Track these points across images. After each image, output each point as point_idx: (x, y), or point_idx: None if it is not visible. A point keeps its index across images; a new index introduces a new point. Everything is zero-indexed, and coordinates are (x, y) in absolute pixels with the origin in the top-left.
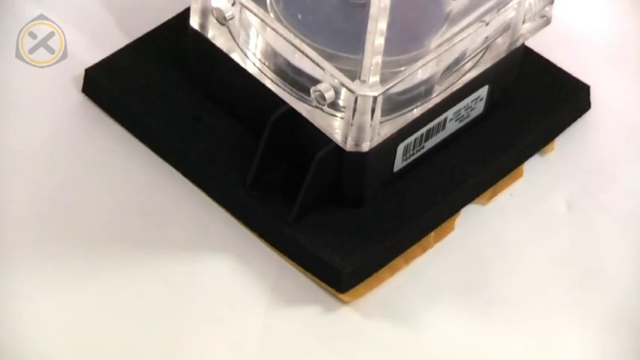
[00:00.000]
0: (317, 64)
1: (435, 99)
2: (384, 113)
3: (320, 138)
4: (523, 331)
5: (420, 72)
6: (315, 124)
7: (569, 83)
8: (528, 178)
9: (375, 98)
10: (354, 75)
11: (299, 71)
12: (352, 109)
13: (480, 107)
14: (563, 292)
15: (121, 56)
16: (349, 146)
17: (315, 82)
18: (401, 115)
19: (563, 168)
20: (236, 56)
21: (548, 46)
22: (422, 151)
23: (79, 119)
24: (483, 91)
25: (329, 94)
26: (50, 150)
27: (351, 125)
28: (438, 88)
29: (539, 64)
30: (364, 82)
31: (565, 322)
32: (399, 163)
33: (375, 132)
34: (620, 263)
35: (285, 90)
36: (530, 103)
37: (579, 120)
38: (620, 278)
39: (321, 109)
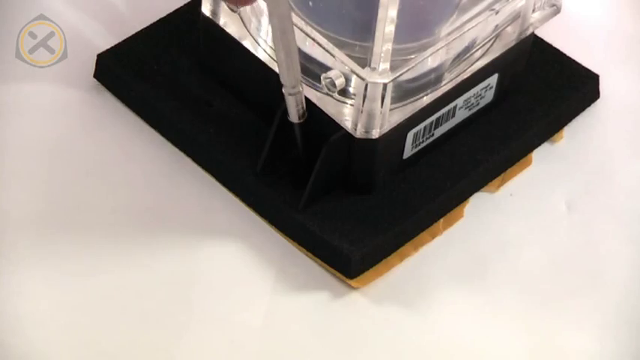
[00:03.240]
0: (328, 51)
1: (445, 87)
2: (394, 100)
3: (330, 125)
4: (525, 326)
5: (430, 60)
6: (326, 111)
7: (579, 72)
8: (537, 166)
9: (384, 85)
10: (364, 62)
11: (310, 58)
12: (362, 96)
13: (489, 95)
14: (562, 291)
15: (133, 42)
16: (359, 133)
17: (326, 69)
18: (411, 102)
19: (572, 156)
20: (247, 43)
21: (558, 35)
22: (431, 139)
23: (90, 105)
24: (493, 80)
25: (339, 81)
26: (58, 139)
27: (361, 112)
28: (447, 76)
29: (549, 53)
30: (374, 69)
31: (565, 323)
32: (408, 151)
33: (384, 119)
34: (620, 263)
35: None
36: (539, 91)
37: (588, 109)
38: (620, 278)
39: (332, 96)
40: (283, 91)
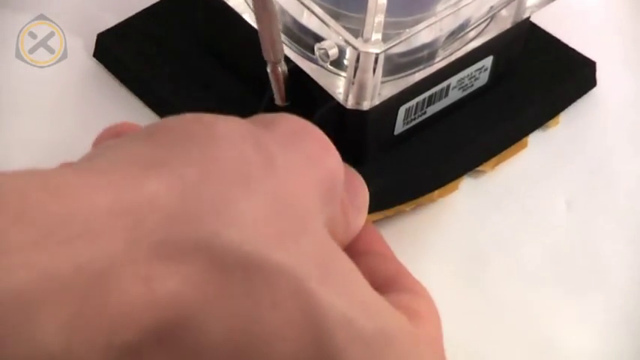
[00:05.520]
0: (323, 22)
1: (438, 64)
2: (385, 74)
3: (322, 97)
4: (524, 326)
5: (423, 35)
6: (319, 82)
7: (575, 59)
8: (536, 166)
9: (377, 55)
10: (358, 34)
11: (305, 29)
12: (354, 66)
13: (484, 78)
14: (562, 291)
15: (133, 22)
16: (350, 104)
17: (320, 40)
18: (403, 77)
19: (572, 155)
20: (247, 16)
21: (555, 24)
22: (424, 117)
23: (90, 105)
24: (488, 62)
25: (332, 52)
26: (58, 140)
27: (353, 83)
28: (441, 54)
29: (546, 41)
30: (367, 39)
31: (565, 322)
32: (400, 127)
33: (376, 91)
34: (620, 263)
35: (291, 48)
36: (535, 76)
37: (588, 107)
38: (620, 278)
39: (325, 68)
40: (268, 69)
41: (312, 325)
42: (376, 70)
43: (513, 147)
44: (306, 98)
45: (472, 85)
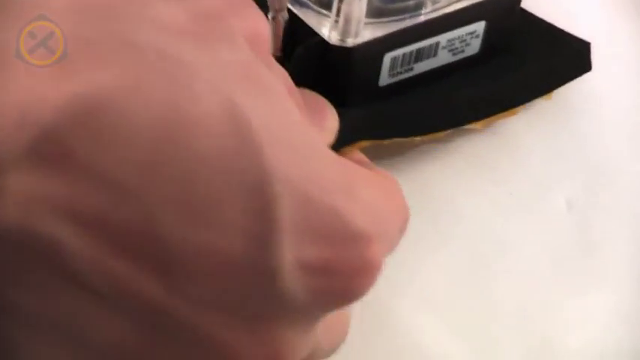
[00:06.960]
0: None
1: (425, 16)
2: (370, 15)
3: (308, 34)
4: (524, 326)
5: None
6: (306, 22)
7: (570, 39)
8: (536, 165)
9: None
10: None
11: None
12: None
13: (475, 45)
14: (562, 291)
15: None
16: (334, 40)
17: None
18: (389, 22)
19: (572, 155)
20: None
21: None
22: (411, 73)
23: None
24: (480, 27)
25: None
26: None
27: (336, 21)
28: (429, 7)
29: (541, 26)
30: None
31: (565, 322)
32: (385, 77)
33: (359, 27)
34: (620, 263)
35: None
36: (528, 52)
37: (586, 97)
38: (620, 278)
39: (312, 9)
40: (269, 16)
41: (233, 122)
42: (361, 3)
43: (503, 114)
44: (294, 39)
45: (463, 51)
